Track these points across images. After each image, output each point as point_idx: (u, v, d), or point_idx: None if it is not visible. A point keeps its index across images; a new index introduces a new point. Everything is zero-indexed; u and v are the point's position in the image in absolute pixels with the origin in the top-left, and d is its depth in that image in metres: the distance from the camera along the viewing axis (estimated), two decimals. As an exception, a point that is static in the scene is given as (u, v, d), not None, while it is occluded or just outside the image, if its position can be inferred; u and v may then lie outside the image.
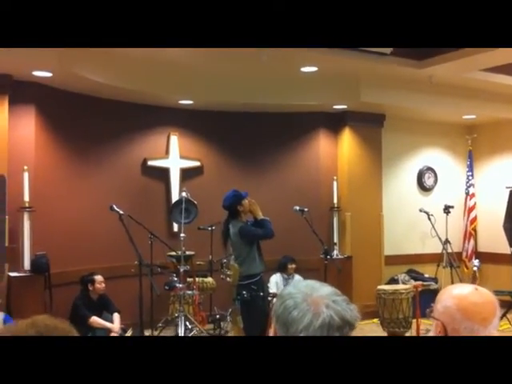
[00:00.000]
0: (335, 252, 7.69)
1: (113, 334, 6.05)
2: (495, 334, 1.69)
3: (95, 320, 6.04)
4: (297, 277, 7.47)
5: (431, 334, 1.78)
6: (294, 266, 7.39)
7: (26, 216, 5.81)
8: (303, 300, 1.36)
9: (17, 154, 5.87)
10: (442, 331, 1.69)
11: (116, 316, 6.26)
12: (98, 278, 6.23)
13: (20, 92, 5.82)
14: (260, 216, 5.37)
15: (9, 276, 5.63)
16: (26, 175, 5.79)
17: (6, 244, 5.43)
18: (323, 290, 1.40)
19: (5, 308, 5.44)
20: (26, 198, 5.80)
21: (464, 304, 1.68)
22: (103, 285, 6.25)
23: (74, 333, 1.25)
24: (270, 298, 5.15)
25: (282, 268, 7.36)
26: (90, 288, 6.19)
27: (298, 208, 5.83)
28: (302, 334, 1.31)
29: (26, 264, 5.81)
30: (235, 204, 5.35)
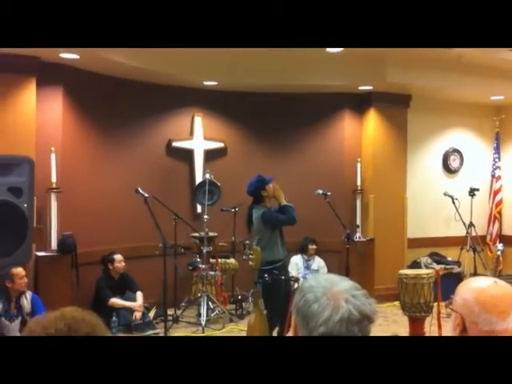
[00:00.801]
0: (357, 234, 7.68)
1: (136, 313, 6.19)
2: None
3: (115, 301, 6.21)
4: (317, 258, 7.52)
5: (450, 324, 1.80)
6: (314, 246, 7.43)
7: (53, 197, 5.92)
8: (323, 294, 1.38)
9: (44, 135, 5.96)
10: (461, 323, 1.71)
11: (139, 294, 6.41)
12: (118, 257, 6.39)
13: (47, 74, 5.88)
14: (284, 202, 5.37)
15: (36, 256, 5.75)
16: (53, 157, 5.88)
17: (34, 224, 5.54)
18: (343, 285, 1.42)
19: (32, 287, 5.58)
20: (54, 179, 5.90)
21: (483, 297, 1.69)
22: (123, 264, 6.40)
23: (101, 325, 1.30)
24: (291, 282, 5.19)
25: (303, 249, 7.41)
26: (110, 267, 6.37)
27: (320, 192, 5.83)
28: (321, 328, 1.34)
29: (53, 244, 5.93)
30: (259, 189, 5.37)
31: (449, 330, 1.82)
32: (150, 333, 6.12)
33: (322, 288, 1.41)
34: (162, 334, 5.76)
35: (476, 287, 1.72)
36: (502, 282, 1.76)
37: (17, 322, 4.26)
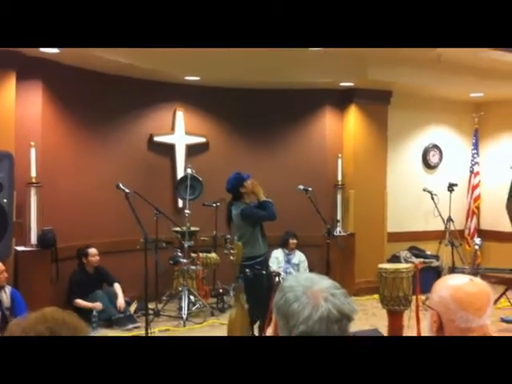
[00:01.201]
0: (338, 229, 7.75)
1: (119, 303, 6.23)
2: (489, 323, 1.75)
3: (79, 302, 6.21)
4: (298, 252, 7.57)
5: (427, 321, 1.84)
6: (295, 241, 7.48)
7: (33, 191, 5.87)
8: (303, 293, 1.40)
9: (24, 130, 5.89)
10: (438, 320, 1.75)
11: (117, 286, 6.45)
12: (92, 250, 6.40)
13: (27, 68, 5.81)
14: (263, 198, 5.41)
15: (16, 250, 5.71)
16: (32, 151, 5.83)
17: (14, 219, 5.50)
18: (322, 284, 1.44)
19: (12, 282, 5.53)
20: (33, 173, 5.85)
21: (459, 295, 1.73)
22: (97, 257, 6.41)
23: (82, 326, 1.30)
24: (273, 276, 5.23)
25: (284, 244, 7.46)
26: (85, 261, 6.39)
27: (302, 187, 5.86)
28: (301, 326, 1.36)
29: (33, 239, 5.90)
30: (237, 186, 5.40)
31: (426, 326, 1.86)
32: (130, 326, 6.14)
33: (302, 287, 1.43)
34: (143, 328, 5.76)
35: (452, 285, 1.76)
36: (477, 280, 1.80)
37: (-4, 318, 4.23)
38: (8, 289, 5.19)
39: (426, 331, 1.87)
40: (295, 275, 1.58)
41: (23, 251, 5.81)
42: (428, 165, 8.74)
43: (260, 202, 5.38)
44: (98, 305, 6.21)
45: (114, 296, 6.37)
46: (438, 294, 1.76)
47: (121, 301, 6.31)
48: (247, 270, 4.94)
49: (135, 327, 6.14)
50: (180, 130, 7.52)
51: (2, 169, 3.59)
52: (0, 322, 4.43)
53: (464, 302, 1.72)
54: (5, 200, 3.56)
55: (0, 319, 4.55)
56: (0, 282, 5.07)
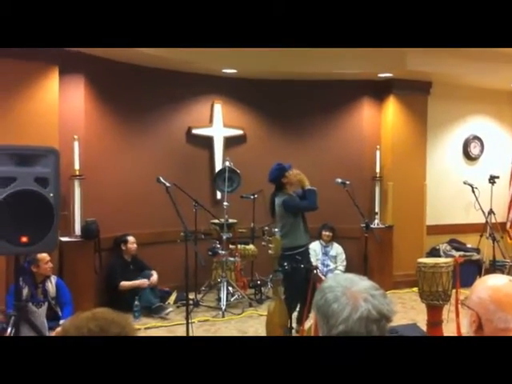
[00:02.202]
0: (376, 221, 7.71)
1: (152, 278, 6.47)
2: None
3: (124, 284, 6.40)
4: (335, 245, 7.58)
5: (466, 321, 1.85)
6: (327, 233, 7.48)
7: (76, 184, 6.04)
8: (343, 294, 1.44)
9: (67, 123, 6.05)
10: (477, 320, 1.76)
11: (154, 272, 6.61)
12: (130, 238, 6.58)
13: (69, 63, 5.95)
14: (307, 186, 5.48)
15: (61, 241, 5.87)
16: (76, 144, 5.99)
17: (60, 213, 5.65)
18: (362, 284, 1.48)
19: (57, 271, 5.73)
20: (77, 166, 6.01)
21: (498, 296, 1.73)
22: (135, 245, 6.60)
23: (131, 325, 1.37)
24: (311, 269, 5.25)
25: (319, 235, 7.49)
26: (123, 248, 6.56)
27: (339, 180, 5.86)
28: (341, 326, 1.40)
29: (77, 230, 6.07)
30: (279, 177, 5.47)
31: (465, 323, 1.87)
32: (163, 314, 6.32)
33: (341, 287, 1.46)
34: (179, 317, 5.88)
35: (491, 286, 1.77)
36: (517, 281, 1.80)
37: (44, 308, 4.39)
38: (53, 278, 5.37)
39: (465, 328, 1.88)
40: (335, 275, 1.61)
41: (68, 242, 5.99)
42: (469, 156, 8.59)
43: (304, 191, 5.45)
44: (145, 281, 6.41)
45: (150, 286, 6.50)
46: (476, 295, 1.77)
47: (154, 277, 6.50)
48: (285, 264, 4.98)
49: (167, 313, 6.34)
50: (218, 123, 7.58)
51: (48, 164, 3.69)
52: (47, 313, 4.59)
53: (503, 302, 1.72)
54: (51, 194, 3.67)
55: (46, 308, 4.72)
56: (46, 272, 5.25)
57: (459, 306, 4.80)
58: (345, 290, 1.45)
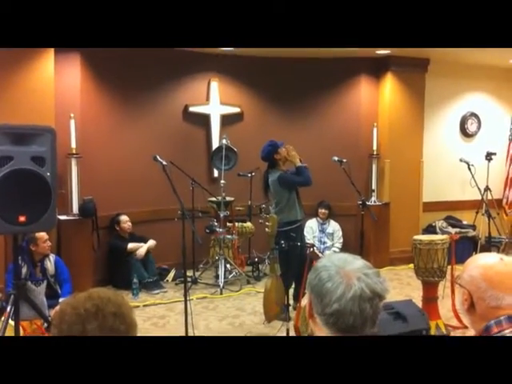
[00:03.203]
0: (373, 198, 7.74)
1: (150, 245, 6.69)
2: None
3: (132, 246, 6.61)
4: (332, 222, 7.62)
5: (457, 299, 1.88)
6: (323, 210, 7.52)
7: (73, 162, 6.04)
8: (336, 273, 1.46)
9: (63, 102, 6.03)
10: (468, 299, 1.78)
11: (151, 240, 6.79)
12: (123, 217, 6.67)
13: (64, 41, 5.91)
14: (298, 163, 5.50)
15: (58, 220, 5.89)
16: (72, 123, 5.98)
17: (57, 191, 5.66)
18: (355, 264, 1.50)
19: (55, 250, 5.76)
20: (73, 144, 6.01)
21: (489, 274, 1.76)
22: (129, 223, 6.71)
23: (126, 304, 1.40)
24: (307, 247, 5.30)
25: (316, 213, 7.54)
26: (117, 228, 6.62)
27: (336, 158, 5.88)
28: (334, 305, 1.42)
29: (75, 208, 6.10)
30: (272, 153, 5.49)
31: (457, 303, 1.90)
32: (157, 291, 6.45)
33: (335, 267, 1.48)
34: (173, 294, 5.94)
35: (482, 264, 1.79)
36: (508, 259, 1.82)
37: (43, 286, 4.41)
38: (52, 257, 5.40)
39: (458, 306, 1.90)
40: (329, 255, 1.63)
41: (65, 220, 6.02)
42: (466, 133, 8.59)
43: (296, 168, 5.47)
44: (153, 242, 6.72)
45: (146, 257, 6.67)
46: (468, 273, 1.79)
47: (143, 249, 6.65)
48: (282, 242, 5.02)
49: (162, 292, 6.48)
50: (215, 101, 7.55)
51: (45, 143, 3.69)
52: (46, 291, 4.63)
53: (494, 280, 1.74)
54: (48, 173, 3.68)
55: (46, 286, 4.75)
56: (44, 251, 5.28)
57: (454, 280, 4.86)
58: (338, 269, 1.47)
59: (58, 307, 1.41)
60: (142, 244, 6.70)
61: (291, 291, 5.45)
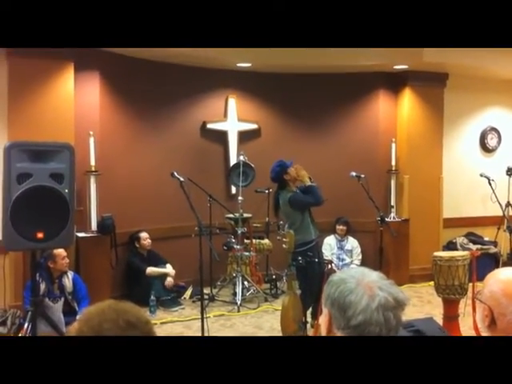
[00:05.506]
0: (392, 215, 7.66)
1: (169, 280, 6.60)
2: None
3: (152, 270, 6.58)
4: (350, 238, 7.54)
5: (478, 316, 1.83)
6: (341, 227, 7.44)
7: (92, 179, 6.08)
8: (357, 285, 1.46)
9: (83, 119, 6.09)
10: (489, 315, 1.74)
11: (169, 266, 6.77)
12: (143, 234, 6.66)
13: (84, 59, 5.98)
14: (308, 182, 5.45)
15: (77, 237, 5.91)
16: (91, 140, 6.03)
17: (75, 208, 5.70)
18: (373, 275, 1.50)
19: (73, 267, 5.77)
20: (92, 162, 6.05)
21: (510, 288, 1.71)
22: (149, 241, 6.69)
23: (142, 313, 1.38)
24: (325, 263, 5.26)
25: (334, 229, 7.48)
26: (137, 245, 6.63)
27: (354, 174, 5.85)
28: (360, 316, 1.41)
29: (93, 225, 6.11)
30: (281, 174, 5.46)
31: (478, 320, 1.85)
32: (176, 309, 6.44)
33: (354, 279, 1.48)
34: (190, 311, 5.91)
35: (503, 279, 1.75)
36: (529, 274, 1.77)
37: (60, 303, 4.44)
38: (70, 274, 5.42)
39: (479, 322, 1.86)
40: (343, 270, 1.62)
41: (84, 237, 6.03)
42: (486, 148, 8.50)
43: (306, 187, 5.43)
44: (172, 271, 6.67)
45: (165, 276, 6.64)
46: (488, 289, 1.75)
47: (170, 279, 6.63)
48: (299, 258, 4.98)
49: (180, 308, 6.48)
50: (232, 117, 7.58)
51: (63, 160, 3.73)
52: (64, 308, 4.64)
53: (516, 296, 1.70)
54: (66, 190, 3.71)
55: (63, 303, 4.77)
56: (62, 268, 5.30)
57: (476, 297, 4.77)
58: (358, 281, 1.47)
59: (73, 326, 1.39)
60: (162, 270, 6.65)
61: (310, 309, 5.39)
